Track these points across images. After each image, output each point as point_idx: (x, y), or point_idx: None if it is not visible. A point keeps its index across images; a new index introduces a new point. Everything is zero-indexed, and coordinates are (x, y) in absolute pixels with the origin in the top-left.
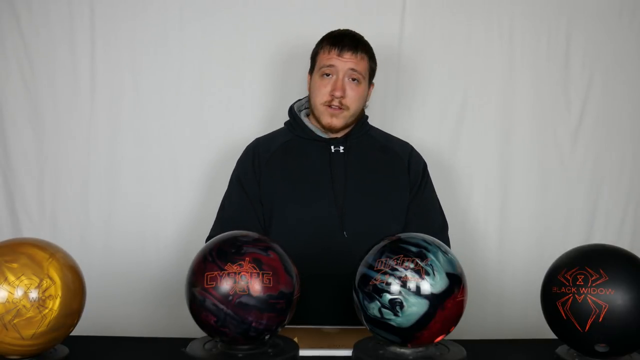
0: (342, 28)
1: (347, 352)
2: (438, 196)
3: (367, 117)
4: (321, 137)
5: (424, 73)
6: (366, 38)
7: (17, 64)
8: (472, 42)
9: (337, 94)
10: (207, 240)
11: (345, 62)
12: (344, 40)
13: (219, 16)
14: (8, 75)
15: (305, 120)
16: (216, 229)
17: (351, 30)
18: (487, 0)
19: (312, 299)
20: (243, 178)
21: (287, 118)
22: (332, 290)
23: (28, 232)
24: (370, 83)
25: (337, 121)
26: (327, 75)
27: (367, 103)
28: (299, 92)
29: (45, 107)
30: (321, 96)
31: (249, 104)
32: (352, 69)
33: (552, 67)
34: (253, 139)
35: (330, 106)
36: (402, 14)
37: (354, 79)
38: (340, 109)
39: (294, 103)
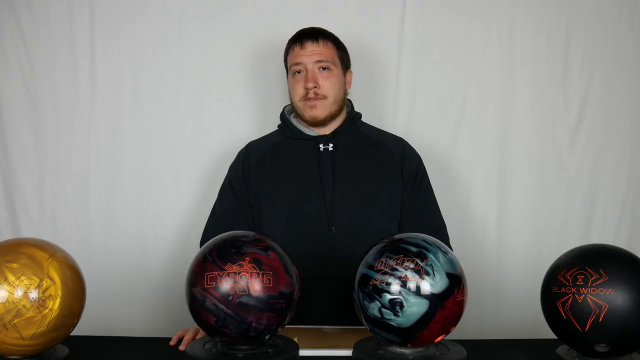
0: (339, 29)
1: (347, 352)
2: (437, 195)
3: (359, 114)
4: (309, 135)
5: (424, 73)
6: (366, 38)
7: (17, 63)
8: (472, 42)
9: (310, 85)
10: (201, 241)
11: (310, 56)
12: (303, 35)
13: (218, 16)
14: (8, 75)
15: (294, 121)
16: (208, 231)
17: (313, 26)
18: (487, 0)
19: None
20: (233, 181)
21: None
22: (321, 288)
23: (28, 232)
24: (347, 70)
25: (319, 111)
26: (298, 72)
27: (348, 89)
28: None
29: (45, 106)
30: (297, 93)
31: (249, 104)
32: (318, 60)
33: (552, 66)
34: (252, 139)
35: (307, 100)
36: (402, 14)
37: (323, 68)
38: (318, 99)
39: (285, 107)
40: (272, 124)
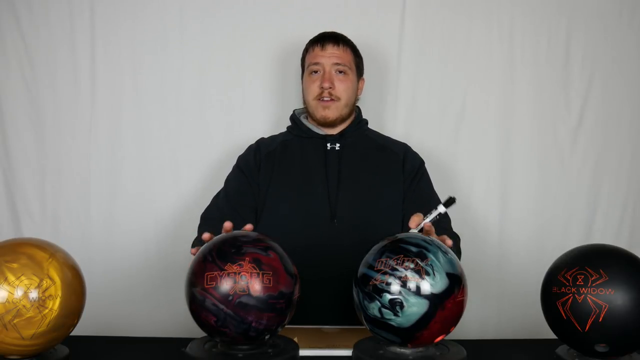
0: (339, 29)
1: (347, 352)
2: (438, 197)
3: (366, 120)
4: (317, 133)
5: (424, 73)
6: (366, 38)
7: (17, 63)
8: (472, 42)
9: (326, 85)
10: (202, 215)
11: (329, 57)
12: (325, 37)
13: (219, 16)
14: (8, 75)
15: (304, 121)
16: (211, 206)
17: (335, 31)
18: (487, 0)
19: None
20: (244, 167)
21: (287, 119)
22: (321, 287)
23: (29, 231)
24: (360, 77)
25: (331, 112)
26: (315, 72)
27: (359, 96)
28: (299, 91)
29: (46, 106)
30: (312, 92)
31: (249, 103)
32: (337, 63)
33: (552, 67)
34: (253, 138)
35: (321, 100)
36: (402, 14)
37: (340, 72)
38: (332, 100)
39: (295, 110)
40: (272, 123)
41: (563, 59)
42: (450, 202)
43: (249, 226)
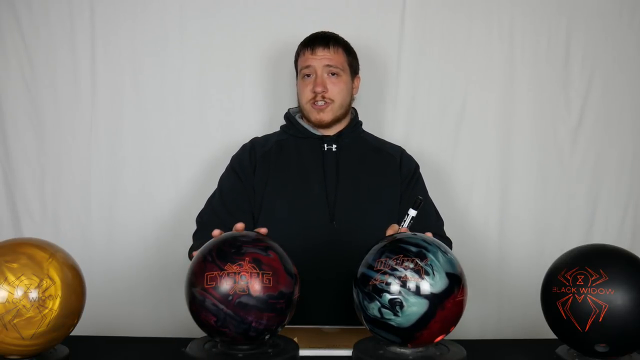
0: (339, 29)
1: (347, 352)
2: (438, 195)
3: (360, 122)
4: (314, 134)
5: (424, 73)
6: (366, 38)
7: (17, 63)
8: (472, 42)
9: (318, 89)
10: (197, 219)
11: (320, 60)
12: (315, 40)
13: (218, 16)
14: (8, 75)
15: (300, 120)
16: (206, 209)
17: (325, 31)
18: (487, 0)
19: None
20: (239, 168)
21: (283, 120)
22: (321, 288)
23: (29, 231)
24: (355, 76)
25: (325, 115)
26: (308, 76)
27: (355, 95)
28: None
29: (46, 106)
30: (305, 96)
31: (249, 103)
32: (328, 65)
33: (552, 67)
34: (252, 137)
35: (315, 103)
36: (402, 14)
37: (332, 74)
38: (326, 103)
39: (290, 109)
40: (272, 123)
41: (563, 59)
42: (418, 203)
43: (239, 225)
